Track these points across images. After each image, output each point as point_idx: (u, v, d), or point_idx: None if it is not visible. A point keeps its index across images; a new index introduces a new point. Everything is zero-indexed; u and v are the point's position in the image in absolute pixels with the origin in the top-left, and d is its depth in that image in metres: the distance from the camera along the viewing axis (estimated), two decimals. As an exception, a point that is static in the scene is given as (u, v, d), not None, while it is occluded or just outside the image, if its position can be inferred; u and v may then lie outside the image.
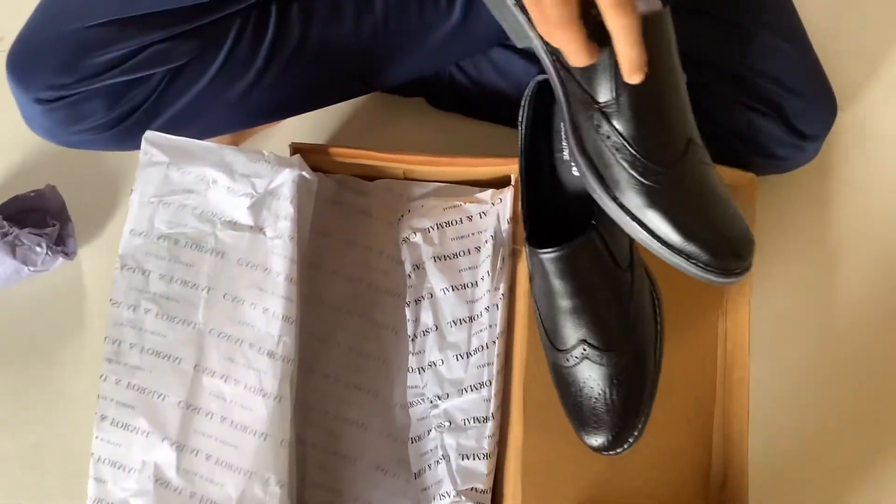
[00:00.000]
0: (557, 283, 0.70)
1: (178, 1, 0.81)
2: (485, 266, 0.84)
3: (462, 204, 0.85)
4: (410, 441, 0.84)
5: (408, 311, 0.85)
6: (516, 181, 0.84)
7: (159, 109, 0.85)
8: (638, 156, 0.61)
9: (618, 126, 0.61)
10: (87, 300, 0.98)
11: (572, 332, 0.71)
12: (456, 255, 0.83)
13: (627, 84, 0.60)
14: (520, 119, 0.74)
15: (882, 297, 1.00)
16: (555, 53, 0.63)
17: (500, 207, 0.84)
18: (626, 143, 0.61)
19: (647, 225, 0.62)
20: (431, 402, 0.83)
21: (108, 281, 0.77)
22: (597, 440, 0.71)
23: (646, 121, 0.61)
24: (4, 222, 0.91)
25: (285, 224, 0.79)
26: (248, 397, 0.76)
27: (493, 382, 0.81)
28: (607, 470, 0.83)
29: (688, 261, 0.61)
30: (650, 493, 0.84)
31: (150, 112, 0.86)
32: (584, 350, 0.70)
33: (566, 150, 0.73)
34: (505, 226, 0.84)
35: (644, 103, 0.61)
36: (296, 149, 0.87)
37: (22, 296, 0.97)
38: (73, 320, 0.96)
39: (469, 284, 0.83)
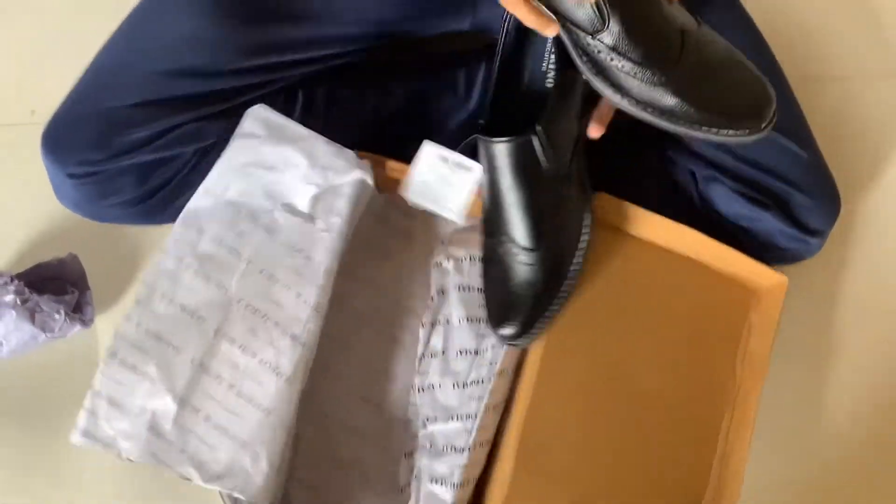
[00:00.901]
0: (495, 175, 0.78)
1: (207, 85, 0.85)
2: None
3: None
4: (404, 456, 0.84)
5: (421, 332, 0.87)
6: None
7: (187, 186, 0.87)
8: (643, 65, 0.67)
9: (617, 47, 0.67)
10: (97, 368, 0.98)
11: (501, 224, 0.81)
12: (480, 290, 0.86)
13: (610, 11, 0.66)
14: (500, 37, 0.79)
15: (882, 395, 1.01)
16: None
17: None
18: (630, 60, 0.67)
19: (669, 109, 0.67)
20: (423, 422, 0.84)
21: None
22: (507, 330, 0.81)
23: (640, 35, 0.67)
24: (25, 289, 0.92)
25: (337, 220, 0.82)
26: (261, 372, 0.77)
27: (479, 417, 0.82)
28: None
29: (710, 130, 0.67)
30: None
31: (178, 189, 0.88)
32: (510, 243, 0.80)
33: (545, 63, 0.81)
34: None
35: (627, 21, 0.67)
36: (361, 157, 0.91)
37: (35, 361, 0.96)
38: (82, 388, 0.93)
39: (483, 319, 0.85)
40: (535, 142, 0.76)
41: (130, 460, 0.74)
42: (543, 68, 0.80)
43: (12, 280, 0.92)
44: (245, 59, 0.85)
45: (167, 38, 0.85)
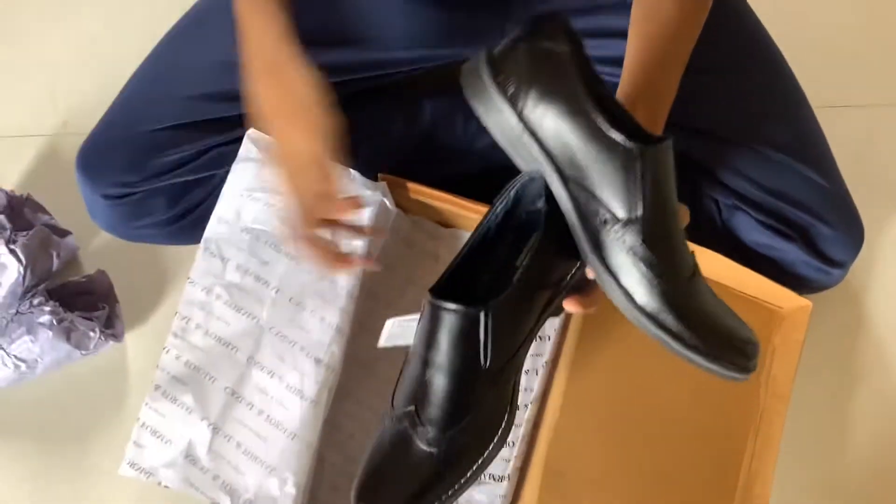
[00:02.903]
0: (423, 343, 0.65)
1: (237, 109, 0.85)
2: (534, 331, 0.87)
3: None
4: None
5: None
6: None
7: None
8: (660, 263, 0.65)
9: (642, 237, 0.65)
10: (126, 383, 0.98)
11: (405, 398, 0.67)
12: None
13: (648, 203, 0.64)
14: (498, 200, 0.70)
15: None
16: (568, 178, 0.67)
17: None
18: (651, 253, 0.65)
19: (665, 323, 0.65)
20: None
21: (150, 365, 0.79)
22: None
23: (665, 235, 0.66)
24: (60, 308, 0.93)
25: (358, 244, 0.83)
26: (287, 396, 0.80)
27: (517, 445, 0.83)
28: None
29: (701, 355, 0.65)
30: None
31: (210, 209, 0.88)
32: (411, 421, 0.66)
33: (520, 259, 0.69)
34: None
35: (663, 220, 0.66)
36: (382, 178, 0.92)
37: (64, 375, 0.98)
38: (111, 402, 0.97)
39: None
40: (482, 323, 0.64)
41: (168, 487, 0.76)
42: (517, 262, 0.69)
43: (47, 300, 0.94)
44: None
45: (204, 62, 0.87)
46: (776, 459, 0.87)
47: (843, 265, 0.92)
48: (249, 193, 0.84)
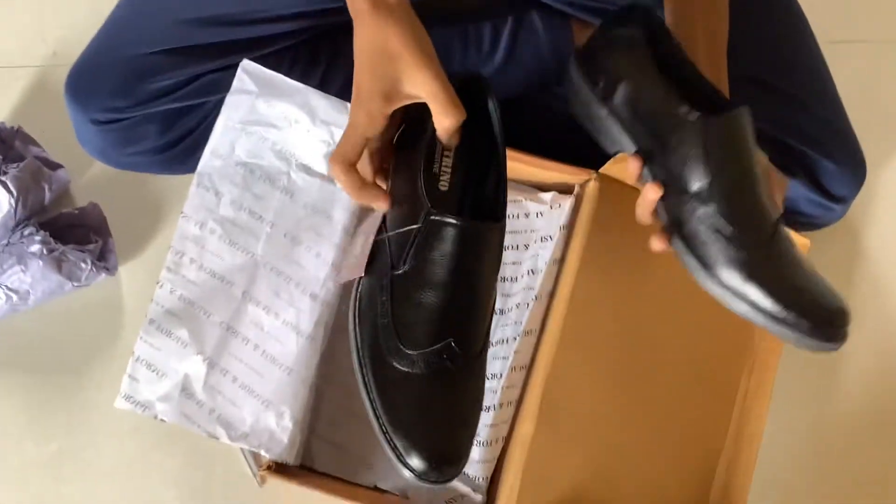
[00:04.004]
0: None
1: (233, 33, 0.84)
2: (527, 264, 0.87)
3: (523, 200, 0.88)
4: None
5: None
6: (579, 193, 0.87)
7: (210, 136, 0.86)
8: (736, 231, 0.65)
9: (714, 208, 0.65)
10: (121, 315, 0.99)
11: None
12: (504, 248, 0.86)
13: (717, 172, 0.64)
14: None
15: (891, 368, 1.02)
16: (652, 158, 0.68)
17: (556, 213, 0.87)
18: (725, 222, 0.65)
19: (749, 297, 0.64)
20: (448, 381, 0.84)
21: (146, 298, 0.79)
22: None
23: (739, 202, 0.66)
24: (51, 239, 0.93)
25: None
26: (283, 332, 0.80)
27: (504, 376, 0.84)
28: (602, 483, 0.86)
29: (789, 329, 0.64)
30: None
31: (201, 138, 0.87)
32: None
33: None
34: (557, 232, 0.87)
35: (735, 187, 0.66)
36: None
37: (59, 308, 0.98)
38: (106, 334, 0.97)
39: (509, 279, 0.86)
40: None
41: (164, 421, 0.76)
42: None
43: (38, 230, 0.94)
44: (275, 8, 0.84)
45: None
46: (770, 398, 0.88)
47: (845, 201, 0.91)
48: (244, 127, 0.83)
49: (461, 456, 0.62)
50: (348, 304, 0.68)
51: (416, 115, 0.66)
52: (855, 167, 0.91)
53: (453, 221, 0.62)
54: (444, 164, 0.70)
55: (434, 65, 0.61)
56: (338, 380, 0.87)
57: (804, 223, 0.93)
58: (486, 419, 0.83)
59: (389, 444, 0.61)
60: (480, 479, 0.84)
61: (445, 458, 0.61)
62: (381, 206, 0.65)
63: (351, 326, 0.67)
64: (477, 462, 0.83)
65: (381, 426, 0.63)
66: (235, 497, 0.92)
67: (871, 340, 1.02)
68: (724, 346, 0.90)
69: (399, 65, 0.61)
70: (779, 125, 0.88)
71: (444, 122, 0.62)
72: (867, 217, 1.06)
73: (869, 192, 1.02)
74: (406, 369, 0.63)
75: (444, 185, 0.69)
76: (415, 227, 0.63)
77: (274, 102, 0.83)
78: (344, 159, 0.63)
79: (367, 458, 0.86)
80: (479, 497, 0.84)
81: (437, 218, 0.62)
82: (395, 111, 0.62)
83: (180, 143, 0.91)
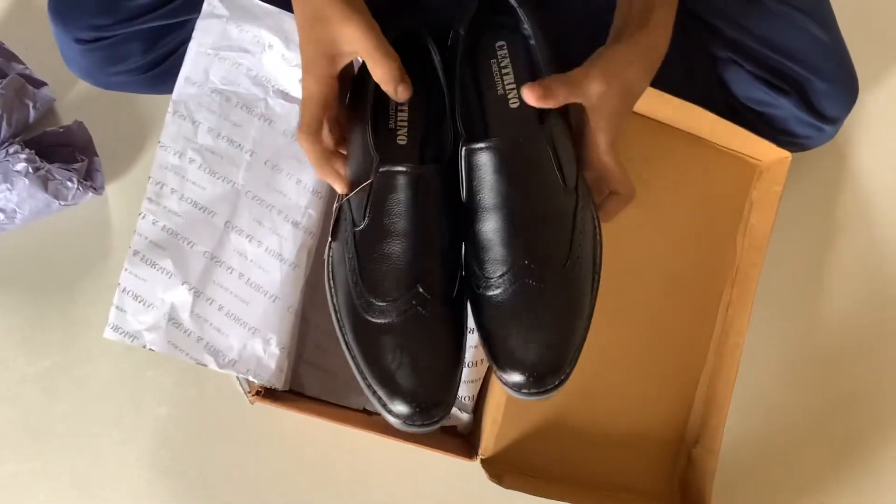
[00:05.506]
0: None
1: None
2: None
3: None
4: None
5: None
6: None
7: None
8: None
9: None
10: (110, 234, 0.99)
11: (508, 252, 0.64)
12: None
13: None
14: None
15: (875, 285, 1.03)
16: None
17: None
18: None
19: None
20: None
21: (133, 216, 0.79)
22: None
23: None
24: (36, 157, 0.92)
25: None
26: (266, 259, 0.80)
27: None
28: (585, 411, 0.88)
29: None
30: (622, 437, 0.89)
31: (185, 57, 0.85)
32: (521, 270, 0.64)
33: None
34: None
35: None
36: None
37: (48, 228, 0.98)
38: (96, 253, 0.97)
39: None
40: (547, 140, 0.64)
41: (153, 350, 0.78)
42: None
43: (23, 148, 0.93)
44: None
45: None
46: (751, 308, 0.89)
47: (836, 121, 0.90)
48: (216, 52, 0.81)
49: (445, 398, 0.63)
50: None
51: (358, 75, 0.68)
52: (847, 87, 0.89)
53: (401, 169, 0.63)
54: (399, 118, 0.71)
55: (362, 18, 0.63)
56: (324, 306, 0.88)
57: (794, 143, 0.91)
58: (470, 341, 0.84)
59: (374, 396, 0.63)
60: (467, 399, 0.86)
61: (429, 402, 0.62)
62: (340, 188, 0.68)
63: (327, 293, 0.69)
64: (463, 382, 0.85)
65: (364, 381, 0.64)
66: (228, 413, 0.95)
67: (855, 259, 1.03)
68: (705, 259, 0.91)
69: (332, 26, 0.63)
70: (772, 43, 0.86)
71: (377, 72, 0.64)
72: (854, 135, 1.04)
73: (858, 111, 1.01)
74: (380, 321, 0.64)
75: (402, 139, 0.70)
76: (367, 182, 0.64)
77: (245, 27, 0.81)
78: (309, 131, 0.65)
79: (353, 381, 0.87)
80: (465, 416, 0.87)
81: (386, 168, 0.64)
82: (344, 75, 0.64)
83: (165, 62, 0.90)
